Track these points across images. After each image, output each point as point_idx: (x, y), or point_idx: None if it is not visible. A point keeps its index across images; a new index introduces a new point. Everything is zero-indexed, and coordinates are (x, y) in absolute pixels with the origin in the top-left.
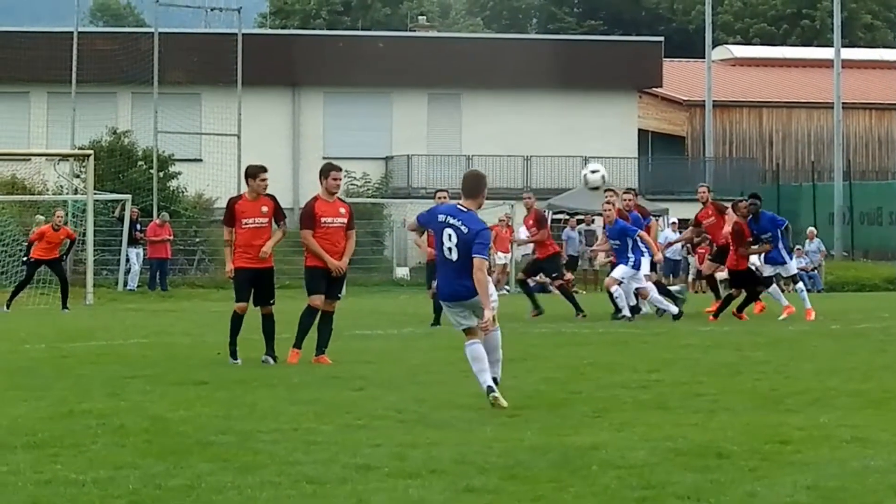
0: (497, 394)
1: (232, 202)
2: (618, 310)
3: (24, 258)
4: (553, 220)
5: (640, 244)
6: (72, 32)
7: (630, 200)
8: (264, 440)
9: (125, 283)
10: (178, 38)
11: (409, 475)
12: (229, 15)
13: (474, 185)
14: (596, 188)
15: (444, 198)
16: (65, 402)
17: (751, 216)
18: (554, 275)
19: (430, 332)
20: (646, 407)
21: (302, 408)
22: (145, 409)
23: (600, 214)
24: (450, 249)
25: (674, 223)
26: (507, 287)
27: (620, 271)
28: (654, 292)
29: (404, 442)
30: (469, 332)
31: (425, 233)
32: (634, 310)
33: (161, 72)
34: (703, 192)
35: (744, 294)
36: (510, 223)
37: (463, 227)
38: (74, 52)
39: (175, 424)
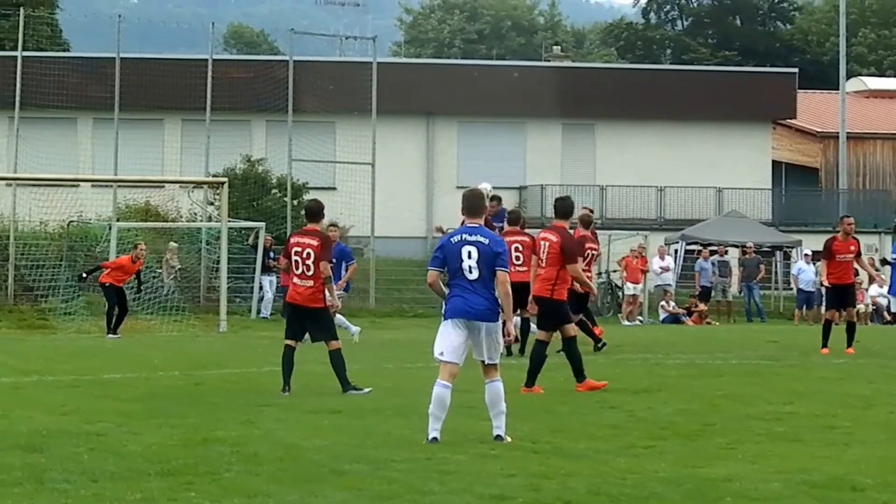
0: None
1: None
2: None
3: (84, 275)
4: (686, 251)
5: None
6: (206, 60)
7: None
8: (398, 469)
9: (258, 311)
10: (312, 66)
11: None
12: (364, 43)
13: (477, 204)
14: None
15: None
16: (198, 430)
17: None
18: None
19: (565, 363)
20: (780, 439)
21: (441, 437)
22: (279, 437)
23: (735, 245)
24: (470, 268)
25: (807, 255)
26: (639, 318)
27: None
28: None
29: (538, 472)
30: (449, 369)
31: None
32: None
33: (295, 100)
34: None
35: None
36: (643, 253)
37: (484, 240)
38: (209, 79)
39: (309, 453)
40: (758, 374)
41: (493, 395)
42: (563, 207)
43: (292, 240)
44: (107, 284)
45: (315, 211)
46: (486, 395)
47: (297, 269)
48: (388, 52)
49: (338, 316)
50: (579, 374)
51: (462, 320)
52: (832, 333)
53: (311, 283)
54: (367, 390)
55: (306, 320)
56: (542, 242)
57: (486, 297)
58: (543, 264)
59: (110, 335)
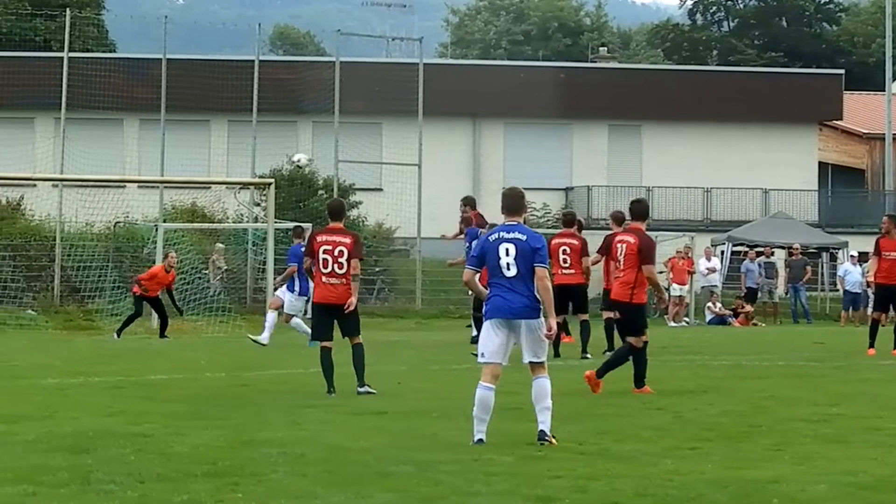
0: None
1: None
2: None
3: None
4: (733, 253)
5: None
6: (252, 61)
7: None
8: (445, 470)
9: (304, 312)
10: (359, 67)
11: None
12: (410, 44)
13: (517, 203)
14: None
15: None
16: (244, 431)
17: None
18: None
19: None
20: (826, 441)
21: (487, 438)
22: (325, 438)
23: (781, 247)
24: (508, 265)
25: (853, 256)
26: (686, 319)
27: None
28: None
29: (585, 474)
30: (491, 370)
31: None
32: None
33: (342, 101)
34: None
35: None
36: (690, 255)
37: (522, 236)
38: (255, 80)
39: (355, 454)
40: (804, 375)
41: (539, 391)
42: (639, 209)
43: (319, 238)
44: (137, 294)
45: (340, 209)
46: (533, 392)
47: (325, 267)
48: (434, 54)
49: (294, 319)
50: (639, 380)
51: (502, 320)
52: (879, 335)
53: (343, 280)
54: (374, 391)
55: (338, 317)
56: (620, 245)
57: (525, 294)
58: (622, 266)
59: (115, 336)
